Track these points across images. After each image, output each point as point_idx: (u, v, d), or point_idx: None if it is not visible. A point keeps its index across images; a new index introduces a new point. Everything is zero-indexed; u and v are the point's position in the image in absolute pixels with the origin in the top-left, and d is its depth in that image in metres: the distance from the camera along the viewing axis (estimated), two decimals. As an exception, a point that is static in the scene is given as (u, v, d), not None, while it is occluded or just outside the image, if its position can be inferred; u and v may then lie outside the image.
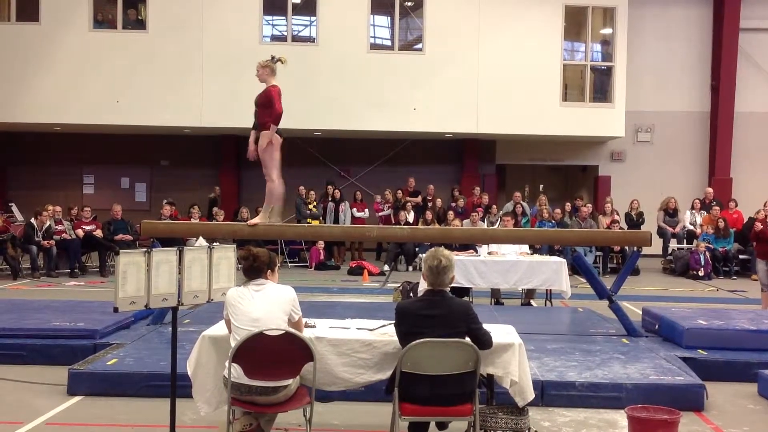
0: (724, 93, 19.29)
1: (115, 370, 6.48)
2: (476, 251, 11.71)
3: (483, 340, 4.70)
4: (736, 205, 17.33)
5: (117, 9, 17.25)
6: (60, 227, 14.76)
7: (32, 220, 14.55)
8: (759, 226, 10.70)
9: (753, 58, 19.50)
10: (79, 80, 16.83)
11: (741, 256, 15.94)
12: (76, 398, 6.24)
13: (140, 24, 17.35)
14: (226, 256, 5.64)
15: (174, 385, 5.25)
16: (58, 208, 15.19)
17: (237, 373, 4.55)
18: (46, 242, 14.33)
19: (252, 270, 4.84)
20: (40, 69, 16.89)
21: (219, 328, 5.23)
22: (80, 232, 14.90)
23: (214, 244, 6.17)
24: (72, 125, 17.47)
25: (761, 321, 8.23)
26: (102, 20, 17.36)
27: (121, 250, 5.21)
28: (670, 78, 19.60)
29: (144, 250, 5.13)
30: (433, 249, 4.82)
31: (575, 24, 18.18)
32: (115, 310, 5.02)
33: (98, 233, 15.07)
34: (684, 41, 19.66)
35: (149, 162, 19.71)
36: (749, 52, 19.45)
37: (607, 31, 18.37)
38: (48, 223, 14.56)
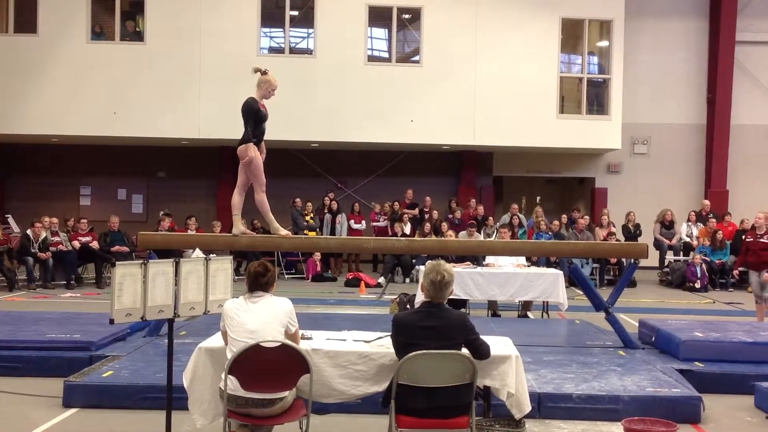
0: (721, 105, 19.36)
1: (110, 383, 6.46)
2: (473, 264, 11.71)
3: (481, 351, 4.69)
4: (730, 218, 17.37)
5: (115, 21, 17.29)
6: (56, 239, 14.74)
7: (28, 232, 14.54)
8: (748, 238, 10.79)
9: (749, 70, 19.58)
10: (76, 92, 16.85)
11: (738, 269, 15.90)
12: (72, 410, 6.21)
13: (138, 36, 17.40)
14: (223, 267, 5.64)
15: (170, 398, 5.24)
16: (55, 220, 15.15)
17: (233, 385, 4.53)
18: (42, 254, 14.32)
19: (259, 285, 4.82)
20: (38, 80, 16.91)
21: (215, 340, 5.22)
22: (76, 244, 14.88)
23: (211, 255, 6.16)
24: (69, 137, 17.46)
25: (758, 333, 8.24)
26: (100, 32, 17.39)
27: (117, 262, 5.20)
28: (666, 90, 19.66)
29: (140, 261, 5.12)
30: (434, 262, 4.78)
31: (572, 36, 18.26)
32: (111, 322, 5.02)
33: (94, 245, 15.06)
34: (680, 54, 19.74)
35: (146, 173, 19.71)
36: (745, 64, 19.54)
37: (604, 43, 18.46)
38: (44, 234, 14.55)
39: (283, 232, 7.99)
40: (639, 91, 19.18)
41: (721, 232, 16.47)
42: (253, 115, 7.45)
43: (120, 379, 6.52)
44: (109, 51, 17.13)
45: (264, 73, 7.58)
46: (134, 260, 6.27)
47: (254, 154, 7.47)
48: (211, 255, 6.09)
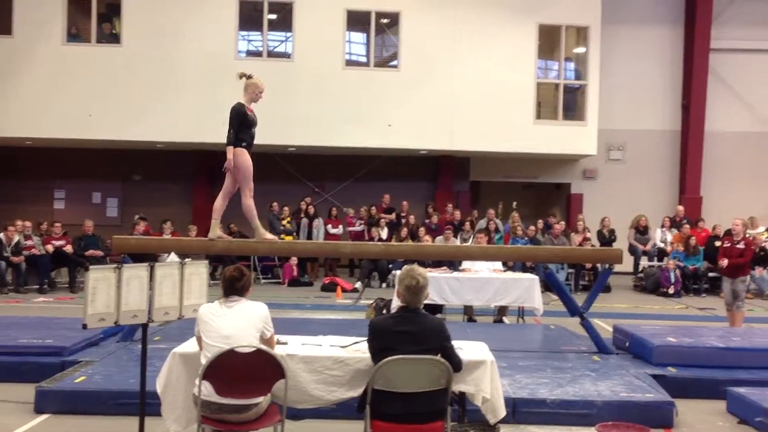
0: (695, 112, 19.58)
1: (83, 388, 6.40)
2: (449, 268, 11.74)
3: (453, 362, 4.65)
4: (704, 224, 17.57)
5: (91, 23, 17.16)
6: (29, 243, 14.59)
7: (0, 236, 14.37)
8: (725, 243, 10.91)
9: (723, 78, 19.81)
10: (51, 94, 16.69)
11: (710, 274, 16.09)
12: (44, 416, 6.15)
13: (114, 38, 17.26)
14: (198, 271, 5.61)
15: (143, 403, 5.20)
16: (28, 224, 14.99)
17: (207, 391, 4.50)
18: (15, 258, 14.16)
19: (234, 289, 4.80)
20: (12, 82, 16.74)
21: (190, 345, 5.19)
22: (50, 248, 14.72)
23: (186, 259, 6.12)
24: (44, 139, 17.31)
25: (730, 338, 8.33)
26: (76, 34, 17.25)
27: (91, 266, 5.16)
28: (641, 97, 19.85)
29: (114, 266, 5.09)
30: (408, 267, 4.78)
31: (549, 43, 18.38)
32: (84, 326, 4.98)
33: (68, 249, 14.90)
34: (656, 61, 19.95)
35: (121, 177, 19.53)
36: (719, 72, 19.76)
37: (581, 50, 18.59)
38: (17, 238, 14.39)
39: (269, 236, 7.96)
40: (615, 98, 19.33)
41: (694, 237, 16.63)
42: (239, 119, 7.43)
43: (93, 385, 6.47)
44: (85, 53, 17.00)
45: (249, 77, 7.58)
46: (108, 264, 6.22)
47: (233, 157, 7.42)
48: (187, 259, 6.05)
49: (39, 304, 12.81)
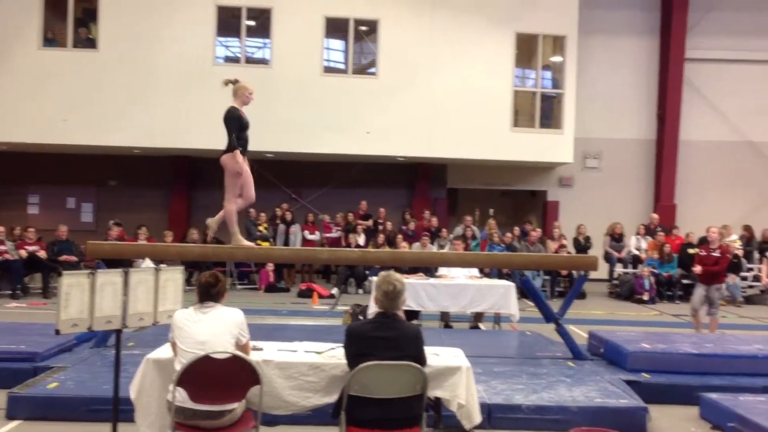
0: (670, 122, 19.80)
1: (55, 394, 6.33)
2: (426, 275, 11.75)
3: (421, 364, 4.65)
4: (678, 231, 17.74)
5: (67, 27, 17.03)
6: (2, 247, 14.43)
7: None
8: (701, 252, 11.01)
9: (698, 88, 20.04)
10: (26, 99, 16.55)
11: (684, 281, 16.23)
12: (15, 422, 6.08)
13: (91, 43, 17.15)
14: (173, 277, 5.58)
15: (116, 410, 5.16)
16: (1, 228, 14.81)
17: (182, 397, 4.47)
18: (-13, 263, 14.02)
19: (210, 295, 4.78)
20: (-14, 86, 16.60)
21: (164, 351, 5.15)
22: (23, 253, 14.57)
23: (161, 265, 6.09)
24: (18, 144, 17.14)
25: (703, 345, 8.41)
26: (52, 38, 17.12)
27: (64, 271, 5.11)
28: (617, 106, 20.04)
29: (88, 271, 5.05)
30: (385, 273, 4.79)
31: (526, 51, 18.49)
32: (57, 332, 4.93)
33: (42, 254, 14.76)
34: (631, 71, 20.15)
35: (96, 182, 19.37)
36: (694, 82, 20.00)
37: (557, 59, 18.72)
38: (-10, 243, 14.26)
39: (246, 242, 7.93)
40: (591, 106, 19.49)
41: (668, 245, 16.79)
42: (236, 123, 7.41)
43: (65, 391, 6.40)
44: (61, 58, 16.87)
45: (236, 81, 7.58)
46: (82, 270, 6.17)
47: (229, 161, 7.41)
48: (161, 265, 6.01)
49: (11, 310, 12.67)
